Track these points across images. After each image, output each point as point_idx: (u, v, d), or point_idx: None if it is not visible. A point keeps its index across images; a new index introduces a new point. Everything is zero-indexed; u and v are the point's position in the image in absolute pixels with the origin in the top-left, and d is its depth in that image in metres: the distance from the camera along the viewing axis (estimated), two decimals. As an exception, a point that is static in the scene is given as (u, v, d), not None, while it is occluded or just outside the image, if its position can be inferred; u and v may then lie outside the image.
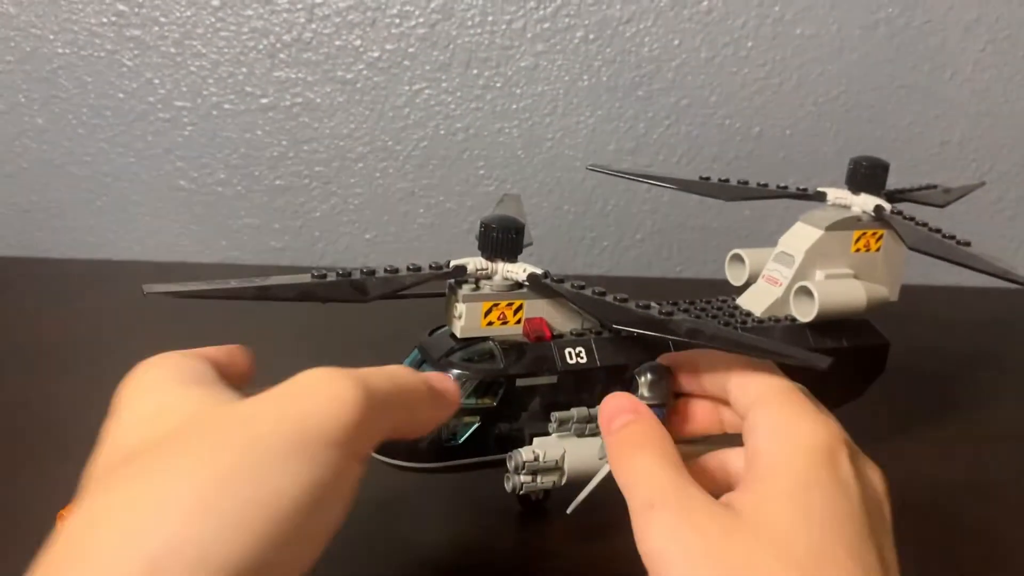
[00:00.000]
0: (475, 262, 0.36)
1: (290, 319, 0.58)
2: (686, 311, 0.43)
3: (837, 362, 0.31)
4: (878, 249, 0.45)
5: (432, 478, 0.38)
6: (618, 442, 0.30)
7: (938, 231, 0.42)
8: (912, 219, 0.43)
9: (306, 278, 0.33)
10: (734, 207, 0.75)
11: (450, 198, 0.75)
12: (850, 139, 0.74)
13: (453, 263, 0.36)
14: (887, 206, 0.44)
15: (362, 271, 0.33)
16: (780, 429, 0.28)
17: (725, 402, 0.32)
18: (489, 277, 0.36)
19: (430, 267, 0.35)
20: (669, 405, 0.32)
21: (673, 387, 0.33)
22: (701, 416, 0.34)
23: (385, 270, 0.34)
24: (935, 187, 0.50)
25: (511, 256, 0.36)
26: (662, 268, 0.77)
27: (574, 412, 0.37)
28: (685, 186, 0.47)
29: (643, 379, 0.32)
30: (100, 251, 0.75)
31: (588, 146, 0.74)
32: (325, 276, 0.33)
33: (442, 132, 0.73)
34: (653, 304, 0.35)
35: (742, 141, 0.74)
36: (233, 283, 0.31)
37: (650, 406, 0.32)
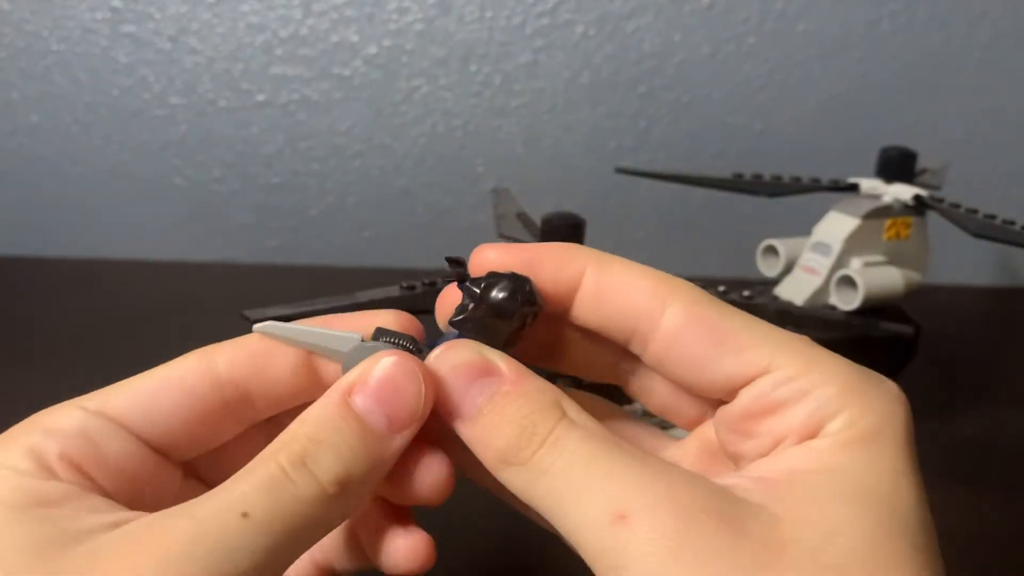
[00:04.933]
0: None
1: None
2: (731, 302, 0.43)
3: (874, 347, 0.31)
4: (907, 236, 0.46)
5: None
6: (493, 438, 0.19)
7: (994, 217, 0.42)
8: (959, 206, 0.44)
9: (395, 291, 0.32)
10: (736, 205, 0.74)
11: (448, 196, 0.74)
12: (852, 136, 0.73)
13: None
14: (926, 194, 0.45)
15: (443, 278, 0.33)
16: (842, 407, 0.19)
17: (622, 349, 0.22)
18: None
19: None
20: (514, 343, 0.21)
21: (533, 321, 0.21)
22: (587, 352, 0.23)
23: None
24: (925, 171, 0.50)
25: None
26: (664, 266, 0.76)
27: (637, 406, 0.36)
28: (718, 184, 0.47)
29: (492, 295, 0.21)
30: (94, 250, 0.74)
31: (588, 143, 0.73)
32: (414, 288, 0.32)
33: (440, 129, 0.72)
34: None
35: (744, 138, 0.73)
36: (321, 303, 0.30)
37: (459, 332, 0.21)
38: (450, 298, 0.22)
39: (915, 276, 0.46)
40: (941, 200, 0.45)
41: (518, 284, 0.21)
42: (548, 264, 0.21)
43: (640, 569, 0.17)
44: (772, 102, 0.73)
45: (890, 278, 0.44)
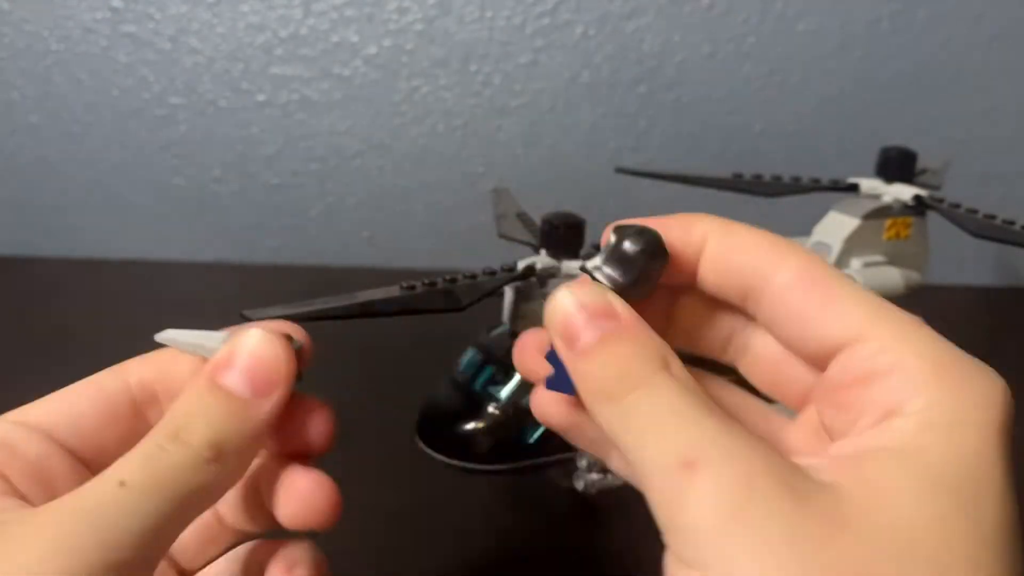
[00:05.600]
0: (541, 261, 0.36)
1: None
2: None
3: None
4: (907, 236, 0.46)
5: (472, 479, 0.37)
6: (598, 371, 0.20)
7: (993, 217, 0.42)
8: (959, 206, 0.44)
9: (395, 290, 0.32)
10: (736, 205, 0.74)
11: (449, 196, 0.74)
12: (853, 136, 0.73)
13: (522, 264, 0.35)
14: (926, 194, 0.45)
15: (443, 278, 0.33)
16: (932, 384, 0.18)
17: (743, 313, 0.23)
18: (554, 275, 0.36)
19: (502, 269, 0.35)
20: (642, 294, 0.22)
21: (660, 274, 0.22)
22: (703, 328, 0.24)
23: (463, 276, 0.33)
24: (925, 171, 0.50)
25: (575, 253, 0.36)
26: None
27: None
28: (718, 184, 0.47)
29: (623, 244, 0.22)
30: (95, 250, 0.74)
31: (588, 143, 0.73)
32: (414, 287, 0.32)
33: (440, 129, 0.72)
34: None
35: (744, 138, 0.73)
36: (320, 303, 0.30)
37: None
38: (529, 345, 0.23)
39: (915, 276, 0.46)
40: (941, 200, 0.44)
41: (647, 234, 0.22)
42: (675, 227, 0.22)
43: (697, 519, 0.17)
44: (772, 102, 0.73)
45: (890, 278, 0.44)
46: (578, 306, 0.21)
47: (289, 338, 0.23)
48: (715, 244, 0.22)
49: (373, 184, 0.74)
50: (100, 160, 0.72)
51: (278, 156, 0.73)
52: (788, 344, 0.22)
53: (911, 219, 0.46)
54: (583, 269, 0.23)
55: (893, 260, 0.46)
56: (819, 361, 0.21)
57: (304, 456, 0.24)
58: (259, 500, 0.25)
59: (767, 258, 0.21)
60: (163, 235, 0.75)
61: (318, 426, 0.24)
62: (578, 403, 0.21)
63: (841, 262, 0.44)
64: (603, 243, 0.23)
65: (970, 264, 0.76)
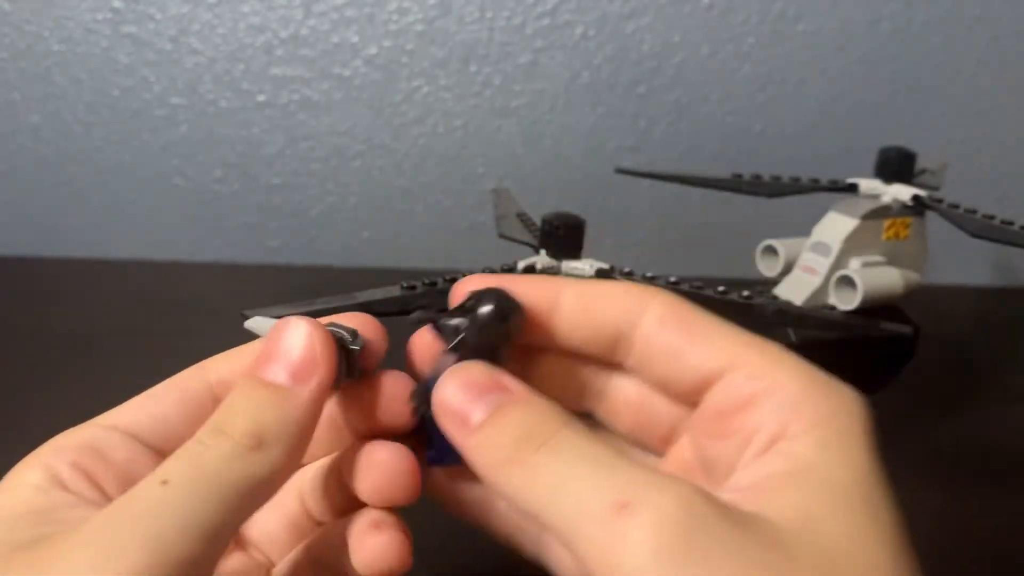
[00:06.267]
0: (541, 261, 0.36)
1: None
2: (731, 301, 0.42)
3: (873, 347, 0.31)
4: (906, 236, 0.46)
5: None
6: (496, 440, 0.20)
7: (992, 217, 0.42)
8: (957, 206, 0.44)
9: (396, 290, 0.32)
10: (736, 205, 0.74)
11: (449, 196, 0.74)
12: (852, 136, 0.73)
13: (522, 264, 0.36)
14: (925, 195, 0.45)
15: (443, 278, 0.33)
16: (809, 403, 0.19)
17: (604, 361, 0.23)
18: (554, 275, 0.36)
19: (502, 269, 0.35)
20: (502, 360, 0.22)
21: (516, 334, 0.22)
22: (558, 379, 0.24)
23: (463, 276, 0.34)
24: (924, 171, 0.50)
25: (575, 253, 0.36)
26: (664, 266, 0.76)
27: None
28: (717, 184, 0.47)
29: (480, 309, 0.22)
30: (95, 250, 0.75)
31: (588, 143, 0.73)
32: (415, 287, 0.33)
33: (440, 130, 0.72)
34: None
35: (744, 138, 0.74)
36: (320, 303, 0.31)
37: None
38: (422, 341, 0.24)
39: (914, 276, 0.46)
40: (940, 200, 0.45)
41: (499, 293, 0.22)
42: (524, 285, 0.23)
43: (642, 561, 0.16)
44: (772, 102, 0.73)
45: (889, 278, 0.44)
46: (464, 387, 0.21)
47: (354, 333, 0.23)
48: (575, 300, 0.23)
49: (373, 184, 0.74)
50: (100, 160, 0.72)
51: (279, 156, 0.73)
52: (660, 383, 0.22)
53: (910, 219, 0.46)
54: (449, 352, 0.22)
55: (892, 260, 0.46)
56: (691, 396, 0.22)
57: (388, 437, 0.24)
58: (344, 488, 0.25)
59: (631, 303, 0.22)
60: (163, 235, 0.75)
61: (396, 404, 0.24)
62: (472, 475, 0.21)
63: (840, 262, 0.44)
64: (452, 303, 0.23)
65: (969, 264, 0.76)
